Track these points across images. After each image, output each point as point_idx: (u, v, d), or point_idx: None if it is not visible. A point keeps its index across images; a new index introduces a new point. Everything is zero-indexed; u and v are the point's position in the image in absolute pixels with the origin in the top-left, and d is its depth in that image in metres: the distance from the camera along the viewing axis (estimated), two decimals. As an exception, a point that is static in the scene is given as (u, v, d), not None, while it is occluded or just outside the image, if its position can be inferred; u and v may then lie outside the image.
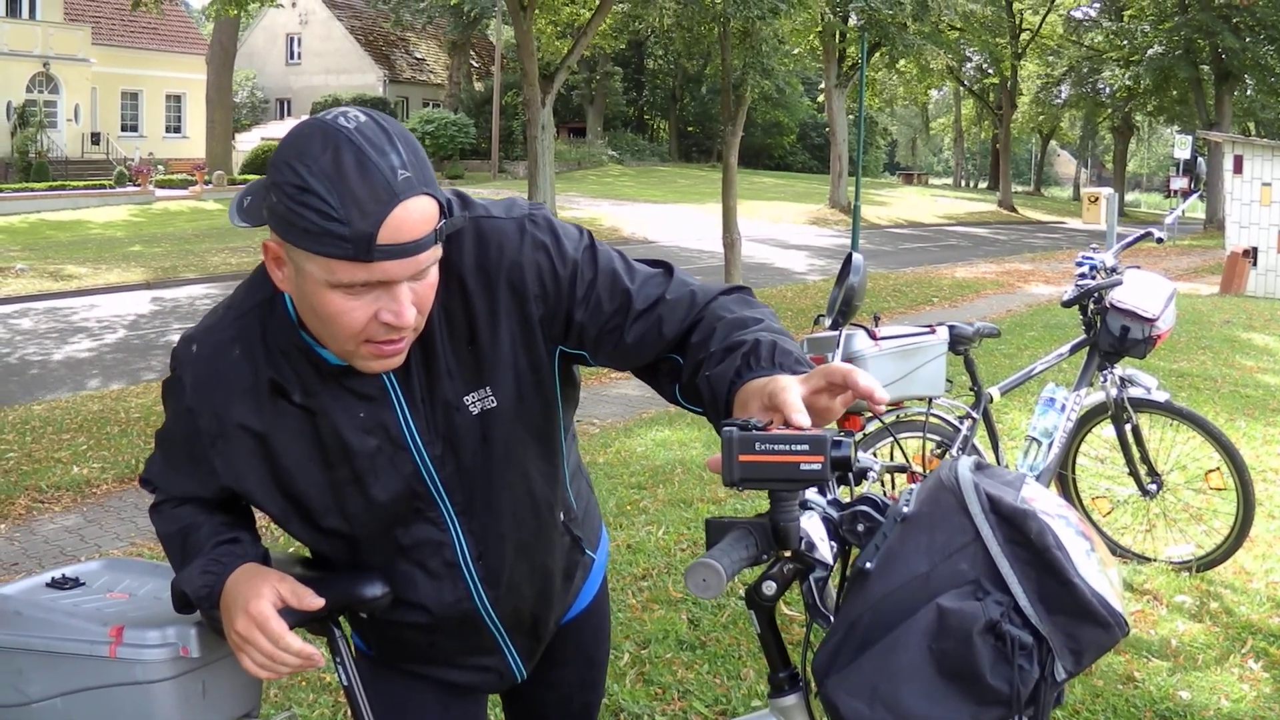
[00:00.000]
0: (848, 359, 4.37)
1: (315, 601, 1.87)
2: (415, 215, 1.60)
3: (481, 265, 1.82)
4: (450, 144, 46.79)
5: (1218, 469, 5.34)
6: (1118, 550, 5.55)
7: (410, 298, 1.66)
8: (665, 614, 4.85)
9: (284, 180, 1.59)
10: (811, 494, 1.65)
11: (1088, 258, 5.32)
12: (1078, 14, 53.43)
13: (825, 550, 1.58)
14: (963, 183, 78.69)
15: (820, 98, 47.24)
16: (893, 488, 4.67)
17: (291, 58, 58.16)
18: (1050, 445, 5.11)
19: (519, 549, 2.00)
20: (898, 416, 4.74)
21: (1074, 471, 5.62)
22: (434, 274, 1.70)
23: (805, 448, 1.43)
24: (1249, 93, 46.29)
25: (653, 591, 5.08)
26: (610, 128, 59.19)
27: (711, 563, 1.44)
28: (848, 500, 1.65)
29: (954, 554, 1.48)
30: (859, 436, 4.63)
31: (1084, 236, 33.70)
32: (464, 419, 1.85)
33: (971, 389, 4.97)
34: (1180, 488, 5.86)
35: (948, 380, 4.77)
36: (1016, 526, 1.47)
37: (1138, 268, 5.39)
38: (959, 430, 4.80)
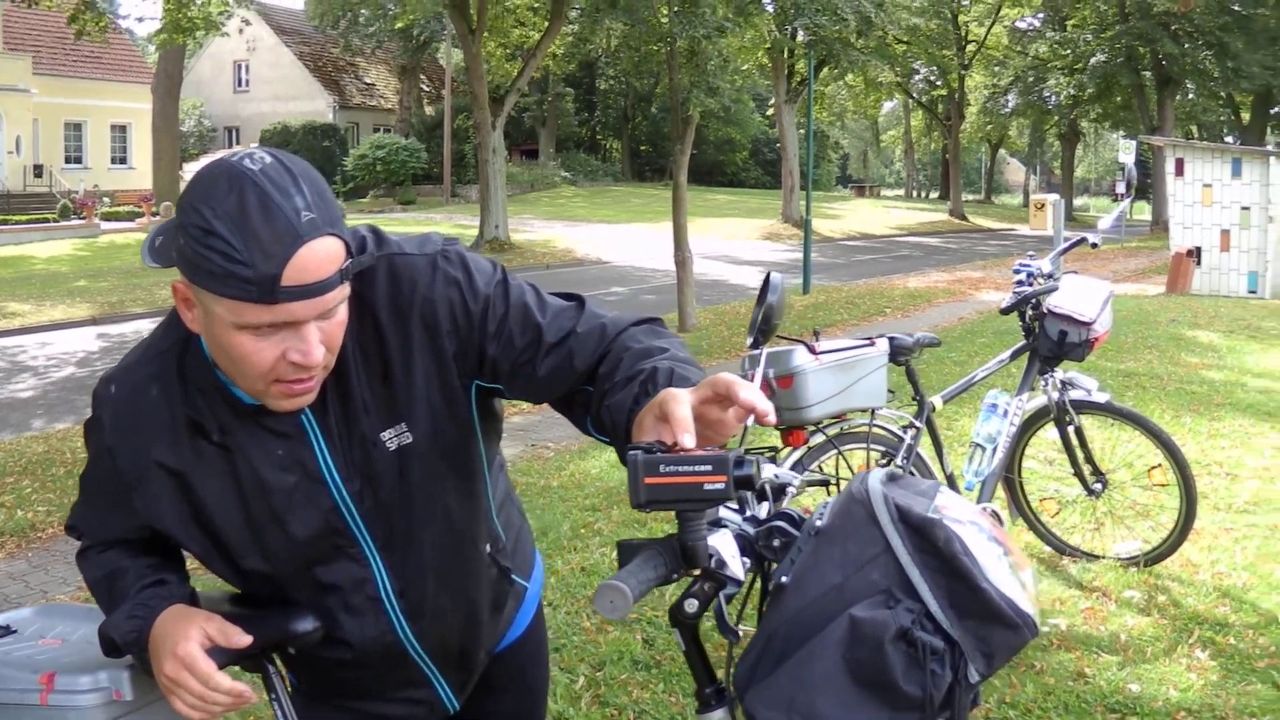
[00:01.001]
0: (789, 374, 4.41)
1: (243, 640, 1.87)
2: (320, 256, 1.61)
3: (395, 302, 1.83)
4: (402, 169, 46.65)
5: (1160, 465, 5.41)
6: (1067, 550, 5.62)
7: (318, 337, 1.67)
8: (620, 635, 4.86)
9: (190, 223, 1.60)
10: (726, 512, 1.68)
11: (1025, 265, 5.39)
12: (1022, 24, 54.04)
13: (737, 567, 1.60)
14: (914, 193, 79.25)
15: (771, 113, 47.43)
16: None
17: (239, 85, 57.88)
18: (994, 450, 5.17)
19: (442, 582, 2.01)
20: (841, 429, 4.77)
21: (1020, 474, 5.68)
22: (343, 312, 1.72)
23: (708, 468, 1.45)
24: (1190, 97, 46.97)
25: (607, 613, 5.08)
26: (563, 149, 59.19)
27: (618, 585, 1.46)
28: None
29: (866, 565, 1.51)
30: (801, 451, 4.65)
31: (1034, 242, 33.92)
32: (381, 454, 1.86)
33: (914, 398, 5.01)
34: (1127, 485, 5.93)
35: (890, 391, 4.80)
36: (925, 535, 1.50)
37: (1074, 273, 5.47)
38: (903, 440, 4.83)
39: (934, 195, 77.63)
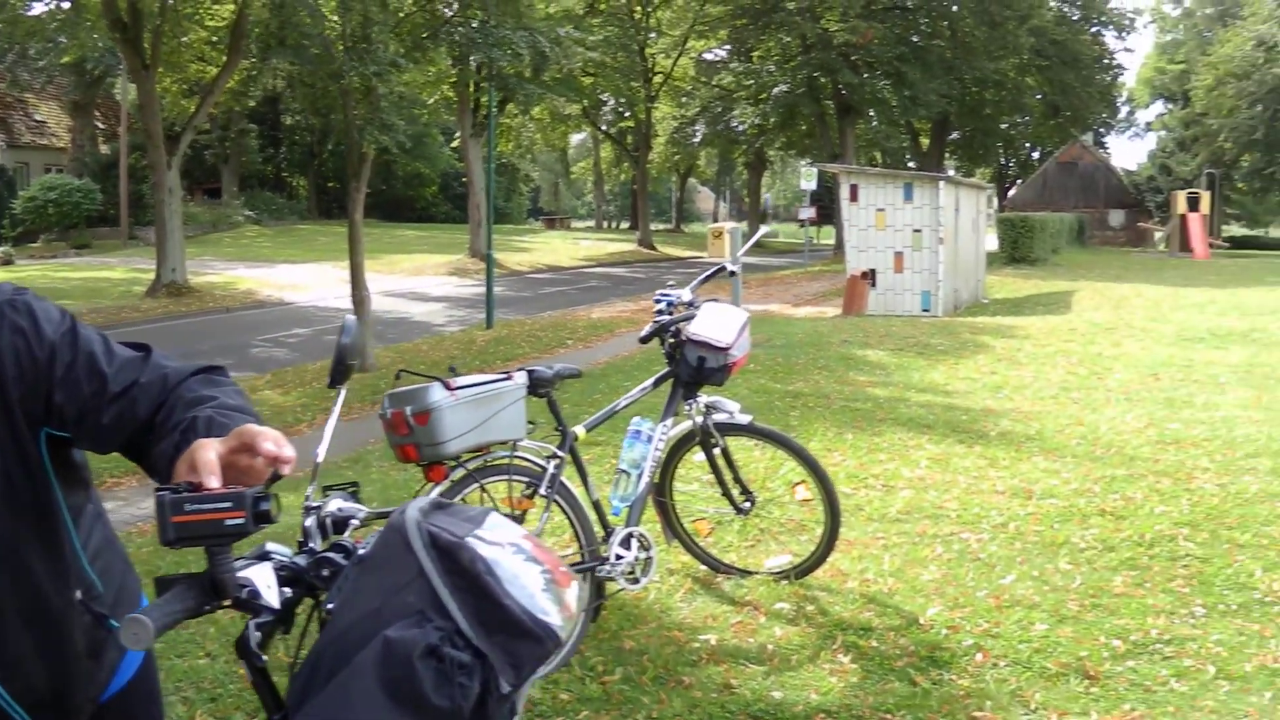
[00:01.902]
0: (425, 411, 4.45)
1: None
2: None
3: None
4: (75, 211, 44.37)
5: (804, 481, 5.67)
6: (721, 567, 5.81)
7: None
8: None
9: None
10: (274, 545, 1.77)
11: (665, 294, 5.57)
12: (709, 56, 55.43)
13: (272, 596, 1.71)
14: (605, 224, 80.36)
15: (456, 144, 47.35)
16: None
17: (-107, 126, 54.13)
18: (640, 476, 5.31)
19: (23, 628, 2.00)
20: (483, 462, 4.82)
21: (672, 497, 5.83)
22: None
23: (229, 505, 1.57)
24: (873, 124, 49.27)
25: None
26: (247, 187, 57.42)
27: (140, 618, 1.54)
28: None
29: (402, 589, 1.63)
30: (444, 486, 4.68)
31: (719, 270, 35.00)
32: None
33: (557, 429, 5.11)
34: (785, 502, 6.18)
35: (531, 423, 4.89)
36: (452, 558, 1.64)
37: (716, 300, 5.69)
38: (546, 470, 4.92)
39: (624, 226, 78.93)
